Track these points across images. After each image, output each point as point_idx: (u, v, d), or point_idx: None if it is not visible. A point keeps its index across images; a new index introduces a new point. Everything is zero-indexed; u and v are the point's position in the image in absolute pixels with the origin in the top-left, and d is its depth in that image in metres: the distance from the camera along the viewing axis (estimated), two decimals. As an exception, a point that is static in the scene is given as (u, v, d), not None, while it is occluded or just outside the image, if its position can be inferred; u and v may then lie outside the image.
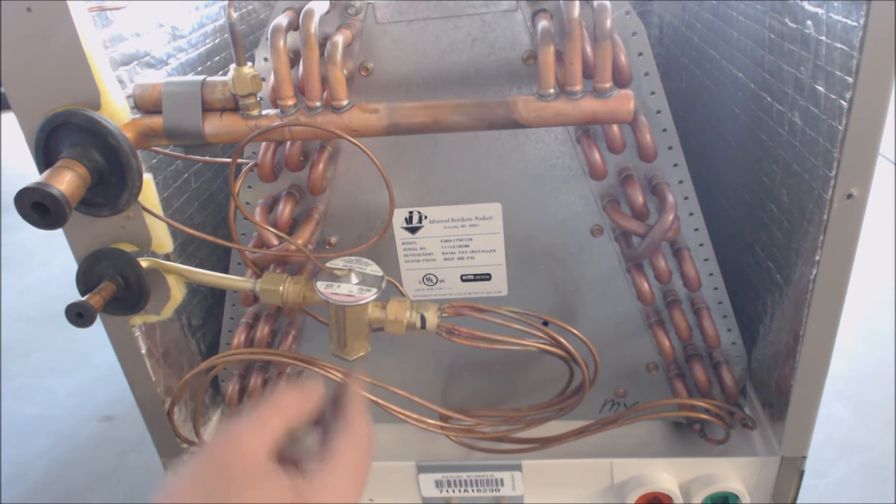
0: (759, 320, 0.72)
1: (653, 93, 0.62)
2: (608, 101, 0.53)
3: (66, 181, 0.49)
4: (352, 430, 0.43)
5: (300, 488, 0.38)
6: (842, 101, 0.52)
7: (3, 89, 0.52)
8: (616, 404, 0.77)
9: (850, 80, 0.51)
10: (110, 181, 0.53)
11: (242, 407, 0.59)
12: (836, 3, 0.53)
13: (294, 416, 0.42)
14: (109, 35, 0.61)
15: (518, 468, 0.73)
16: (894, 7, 0.48)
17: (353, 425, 0.43)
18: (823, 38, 0.55)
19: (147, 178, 0.57)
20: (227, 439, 0.39)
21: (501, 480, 0.74)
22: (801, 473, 0.69)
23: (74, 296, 0.56)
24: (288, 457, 0.41)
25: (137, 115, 0.56)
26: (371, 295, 0.55)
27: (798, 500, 0.71)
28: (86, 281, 0.58)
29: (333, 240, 0.69)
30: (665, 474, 0.71)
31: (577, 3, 0.52)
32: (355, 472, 0.41)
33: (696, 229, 0.67)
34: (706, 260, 0.68)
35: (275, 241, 0.64)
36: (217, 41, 0.83)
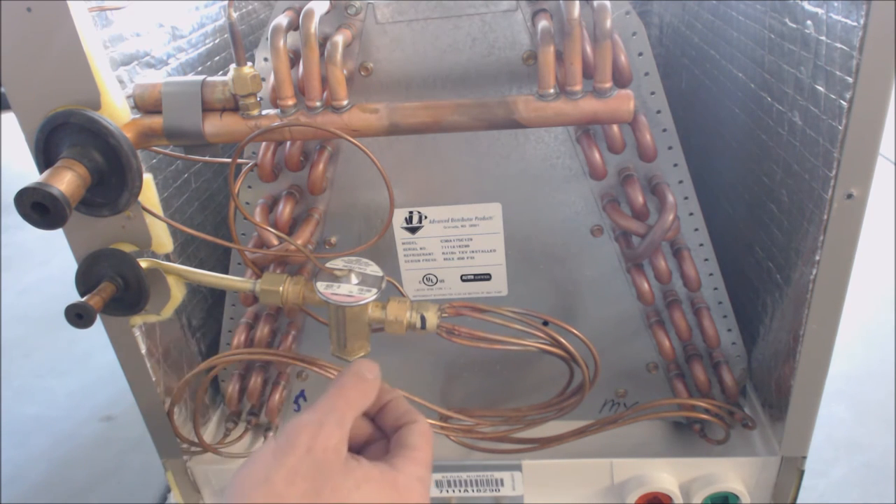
0: (759, 320, 0.72)
1: (653, 93, 0.62)
2: (608, 101, 0.53)
3: (66, 181, 0.49)
4: (421, 423, 0.44)
5: (395, 481, 0.39)
6: (842, 101, 0.52)
7: (3, 89, 0.52)
8: (616, 404, 0.77)
9: (850, 80, 0.51)
10: (110, 181, 0.53)
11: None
12: (836, 3, 0.52)
13: (359, 406, 0.42)
14: (109, 35, 0.61)
15: (518, 468, 0.73)
16: (894, 7, 0.48)
17: (420, 419, 0.44)
18: (823, 38, 0.55)
19: (147, 178, 0.57)
20: (309, 434, 0.39)
21: (501, 480, 0.74)
22: (801, 473, 0.69)
23: (74, 296, 0.56)
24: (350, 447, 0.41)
25: (137, 115, 0.56)
26: (371, 295, 0.55)
27: (798, 500, 0.71)
28: (85, 281, 0.58)
29: (333, 240, 0.69)
30: (665, 474, 0.71)
31: (577, 3, 0.52)
32: (428, 464, 0.42)
33: (696, 229, 0.67)
34: (706, 260, 0.68)
35: (275, 242, 0.64)
36: (217, 41, 0.83)
